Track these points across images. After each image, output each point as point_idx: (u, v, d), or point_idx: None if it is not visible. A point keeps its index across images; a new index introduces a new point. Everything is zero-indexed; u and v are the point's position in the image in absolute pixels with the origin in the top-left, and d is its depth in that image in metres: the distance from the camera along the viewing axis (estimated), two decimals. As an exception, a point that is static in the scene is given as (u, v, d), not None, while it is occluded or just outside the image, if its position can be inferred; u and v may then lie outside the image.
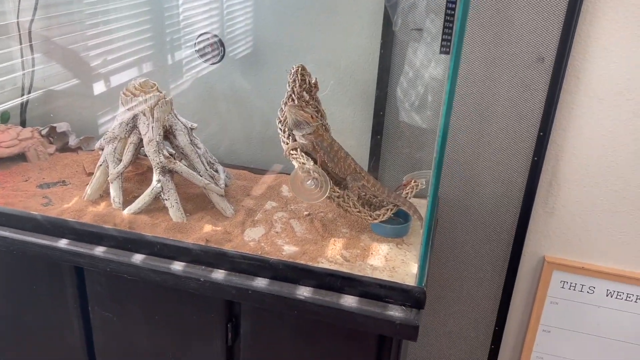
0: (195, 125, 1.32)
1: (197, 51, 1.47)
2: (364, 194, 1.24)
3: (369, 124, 1.44)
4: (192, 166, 1.26)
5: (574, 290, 1.46)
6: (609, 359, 1.51)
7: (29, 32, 1.62)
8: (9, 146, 1.41)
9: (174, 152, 1.29)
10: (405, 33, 1.33)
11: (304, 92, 1.21)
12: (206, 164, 1.29)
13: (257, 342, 1.12)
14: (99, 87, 1.66)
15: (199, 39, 1.46)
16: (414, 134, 1.42)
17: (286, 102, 1.21)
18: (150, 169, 1.25)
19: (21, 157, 1.44)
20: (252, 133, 1.56)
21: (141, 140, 1.25)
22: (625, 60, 1.23)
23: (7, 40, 1.63)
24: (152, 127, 1.22)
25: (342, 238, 1.19)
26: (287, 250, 1.14)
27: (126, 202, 1.24)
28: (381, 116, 1.42)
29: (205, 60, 1.48)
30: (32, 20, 1.60)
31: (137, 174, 1.37)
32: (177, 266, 1.09)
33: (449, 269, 1.54)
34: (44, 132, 1.52)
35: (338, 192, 1.18)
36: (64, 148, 1.53)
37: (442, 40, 1.02)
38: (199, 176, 1.24)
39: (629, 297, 1.43)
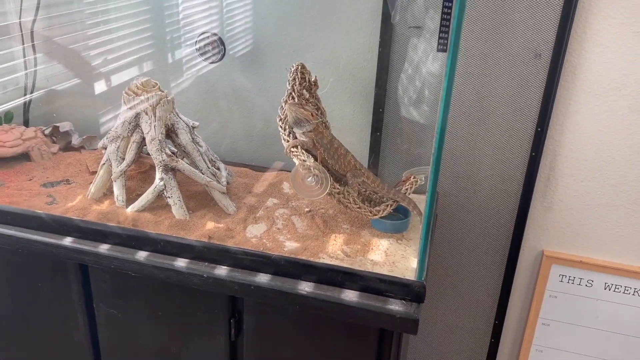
0: (196, 123, 1.33)
1: (198, 49, 1.48)
2: (364, 190, 1.25)
3: (368, 121, 1.46)
4: (194, 164, 1.28)
5: (573, 283, 1.48)
6: (607, 351, 1.53)
7: (31, 32, 1.63)
8: (12, 146, 1.43)
9: (176, 150, 1.31)
10: (404, 30, 1.34)
11: (304, 90, 1.22)
12: (208, 162, 1.30)
13: (260, 337, 1.14)
14: (100, 87, 1.67)
15: (200, 38, 1.47)
16: (413, 130, 1.43)
17: (286, 100, 1.22)
18: (152, 167, 1.26)
19: (25, 156, 1.46)
20: (253, 131, 1.57)
21: (144, 139, 1.26)
22: (621, 56, 1.24)
23: (9, 41, 1.64)
24: (155, 126, 1.23)
25: (343, 234, 1.21)
26: (289, 246, 1.15)
27: (129, 200, 1.26)
28: (380, 113, 1.43)
29: (206, 59, 1.49)
30: (34, 20, 1.61)
31: (140, 172, 1.38)
32: (181, 263, 1.10)
33: (448, 263, 1.56)
34: (47, 132, 1.53)
35: (338, 189, 1.19)
36: (67, 147, 1.54)
37: (439, 38, 1.04)
38: (201, 174, 1.26)
39: (627, 290, 1.45)
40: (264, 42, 1.47)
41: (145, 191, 1.24)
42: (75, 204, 1.26)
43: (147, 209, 1.24)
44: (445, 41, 1.04)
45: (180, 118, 1.29)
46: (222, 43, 1.45)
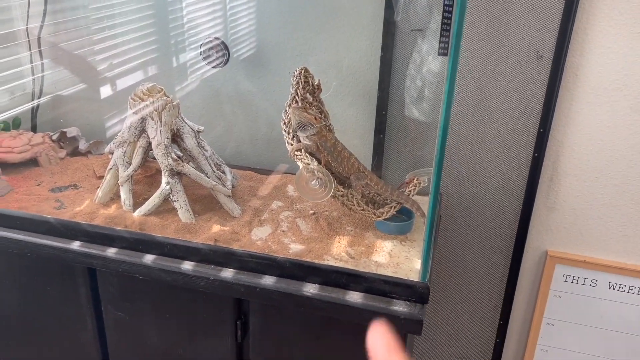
0: (202, 128, 1.35)
1: (202, 53, 1.49)
2: (367, 192, 1.26)
3: (371, 124, 1.47)
4: (199, 168, 1.29)
5: (577, 283, 1.48)
6: (612, 351, 1.53)
7: (38, 38, 1.64)
8: (21, 151, 1.44)
9: (181, 154, 1.32)
10: (406, 32, 1.35)
11: (307, 94, 1.23)
12: (213, 166, 1.32)
13: (266, 338, 1.15)
14: (106, 91, 1.69)
15: (204, 42, 1.48)
16: (416, 132, 1.44)
17: (290, 104, 1.22)
18: (159, 172, 1.27)
19: (33, 162, 1.47)
20: (258, 134, 1.59)
21: (150, 143, 1.27)
22: (622, 57, 1.25)
23: (15, 47, 1.66)
24: (160, 131, 1.25)
25: (347, 236, 1.22)
26: (294, 249, 1.16)
27: (136, 204, 1.27)
28: (383, 115, 1.44)
29: (209, 63, 1.50)
30: (41, 27, 1.62)
31: (146, 176, 1.39)
32: (187, 266, 1.11)
33: (452, 264, 1.57)
34: (54, 137, 1.55)
35: (342, 191, 1.20)
36: (75, 152, 1.56)
37: (440, 42, 1.04)
38: (206, 178, 1.27)
39: (631, 290, 1.45)
40: (268, 46, 1.48)
41: (152, 195, 1.26)
42: (83, 208, 1.28)
43: (153, 213, 1.25)
44: (446, 45, 1.05)
45: (185, 123, 1.31)
46: (227, 48, 1.47)
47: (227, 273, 1.09)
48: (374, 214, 1.22)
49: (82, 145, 1.57)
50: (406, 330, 1.01)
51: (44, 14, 1.62)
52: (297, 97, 1.21)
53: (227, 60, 1.48)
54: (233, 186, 1.35)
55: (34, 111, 1.70)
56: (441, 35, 1.05)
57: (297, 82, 1.21)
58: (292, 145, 1.21)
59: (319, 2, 1.41)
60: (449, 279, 1.59)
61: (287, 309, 1.09)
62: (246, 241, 1.18)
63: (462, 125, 1.40)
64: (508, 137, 1.38)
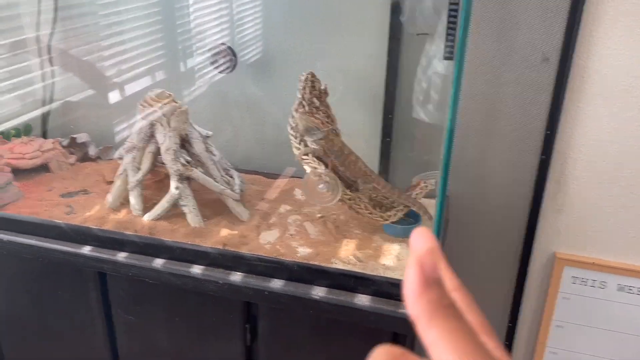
0: (210, 133, 1.36)
1: (211, 57, 1.50)
2: (375, 195, 1.26)
3: (378, 127, 1.47)
4: (208, 173, 1.30)
5: (586, 285, 1.48)
6: (622, 353, 1.53)
7: (49, 46, 1.66)
8: (32, 157, 1.46)
9: (190, 159, 1.33)
10: (412, 35, 1.35)
11: (314, 99, 1.23)
12: (221, 170, 1.33)
13: (275, 341, 1.15)
14: (115, 97, 1.70)
15: (212, 48, 1.49)
16: (423, 135, 1.45)
17: (297, 109, 1.23)
18: (168, 177, 1.28)
19: (44, 168, 1.49)
20: (265, 138, 1.59)
21: (159, 149, 1.28)
22: (628, 59, 1.25)
23: (26, 54, 1.68)
24: (169, 137, 1.26)
25: (355, 239, 1.22)
26: (302, 252, 1.17)
27: (146, 209, 1.28)
28: (390, 119, 1.45)
29: (216, 68, 1.51)
30: (52, 33, 1.64)
31: (155, 181, 1.40)
32: (196, 269, 1.12)
33: (460, 267, 1.56)
34: (64, 143, 1.56)
35: (349, 195, 1.21)
36: (85, 158, 1.58)
37: (446, 46, 1.05)
38: (215, 182, 1.28)
39: (641, 292, 1.45)
40: (274, 51, 1.49)
41: (161, 200, 1.27)
42: (94, 213, 1.29)
43: (163, 217, 1.26)
44: (452, 49, 1.05)
45: (194, 128, 1.32)
46: (234, 54, 1.48)
47: (236, 277, 1.10)
48: (382, 217, 1.22)
49: (92, 151, 1.58)
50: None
51: (54, 21, 1.64)
52: (303, 101, 1.21)
53: (235, 65, 1.49)
54: (241, 190, 1.36)
55: (45, 118, 1.72)
56: (447, 40, 1.06)
57: (304, 87, 1.22)
58: (299, 149, 1.22)
59: (325, 7, 1.42)
60: (457, 282, 1.59)
61: (296, 312, 1.10)
62: (255, 245, 1.19)
63: (470, 128, 1.40)
64: (515, 139, 1.38)
